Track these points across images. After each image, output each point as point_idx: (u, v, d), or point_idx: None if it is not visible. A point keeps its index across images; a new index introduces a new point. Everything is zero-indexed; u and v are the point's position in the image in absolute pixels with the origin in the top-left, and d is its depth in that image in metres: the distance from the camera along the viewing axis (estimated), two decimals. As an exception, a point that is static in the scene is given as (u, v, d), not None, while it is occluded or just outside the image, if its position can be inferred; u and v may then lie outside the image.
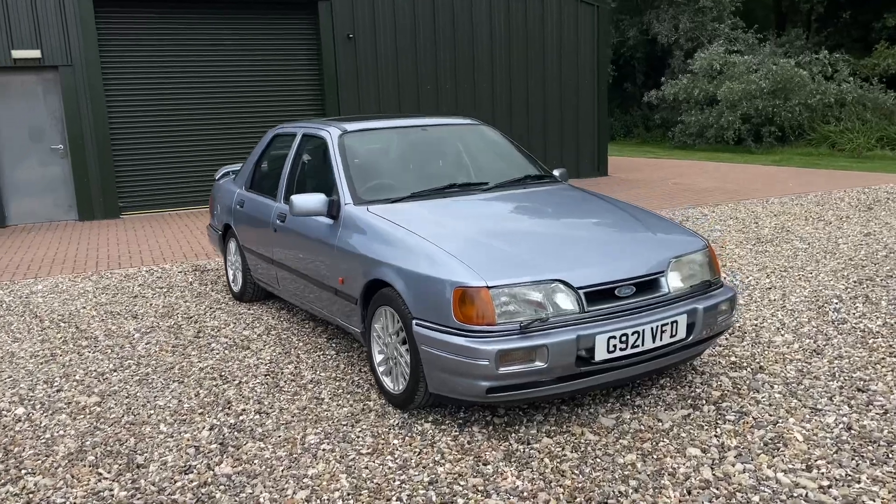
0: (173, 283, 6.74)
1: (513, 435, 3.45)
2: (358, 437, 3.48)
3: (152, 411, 3.87)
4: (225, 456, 3.34)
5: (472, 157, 4.96)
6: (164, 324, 5.46)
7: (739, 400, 3.74)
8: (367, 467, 3.19)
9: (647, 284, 3.58)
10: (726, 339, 4.63)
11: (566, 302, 3.38)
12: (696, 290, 3.73)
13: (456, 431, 3.50)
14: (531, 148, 13.31)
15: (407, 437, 3.45)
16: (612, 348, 3.37)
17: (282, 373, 4.34)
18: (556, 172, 5.08)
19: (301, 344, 4.86)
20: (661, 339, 3.50)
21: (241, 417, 3.75)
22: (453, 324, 3.32)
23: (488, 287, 3.28)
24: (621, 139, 25.47)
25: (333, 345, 4.82)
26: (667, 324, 3.50)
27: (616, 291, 3.49)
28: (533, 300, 3.33)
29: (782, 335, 4.66)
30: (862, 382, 3.87)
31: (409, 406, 3.68)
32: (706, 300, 3.70)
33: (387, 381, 3.86)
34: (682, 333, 3.57)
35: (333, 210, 4.30)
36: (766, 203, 10.08)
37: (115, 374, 4.45)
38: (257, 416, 3.75)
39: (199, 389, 4.14)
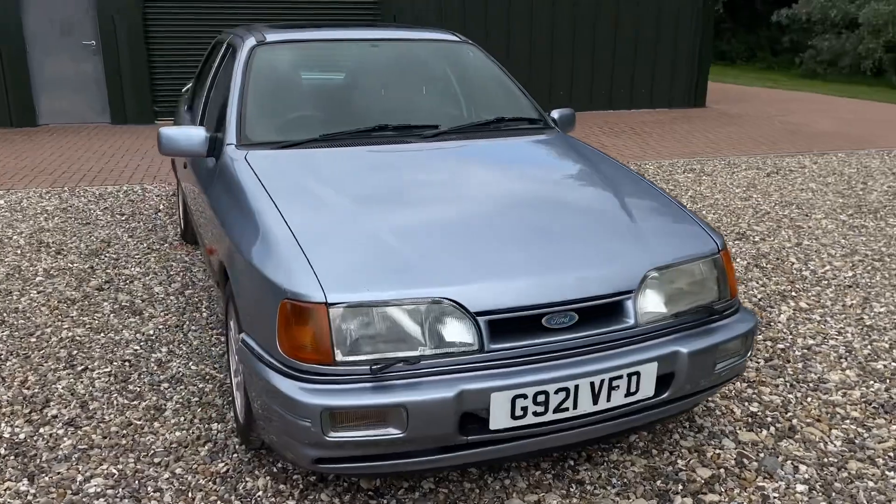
0: (139, 210, 5.85)
1: (369, 516, 2.33)
2: (158, 489, 2.44)
3: (-50, 404, 2.98)
4: (-42, 502, 2.39)
5: (435, 88, 3.67)
6: (82, 265, 4.57)
7: (737, 493, 2.45)
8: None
9: (601, 311, 2.30)
10: (756, 363, 3.28)
11: (459, 333, 2.16)
12: (686, 320, 2.42)
13: (294, 500, 2.40)
14: (616, 71, 11.58)
15: (218, 502, 2.39)
16: (519, 412, 2.15)
17: (148, 360, 3.35)
18: (555, 114, 3.72)
19: (206, 314, 3.85)
20: (608, 401, 2.25)
21: (41, 430, 2.79)
22: (277, 354, 2.18)
23: (327, 304, 2.10)
24: (742, 63, 22.79)
25: (242, 319, 3.78)
26: (620, 377, 2.24)
27: (544, 321, 2.23)
28: (402, 329, 2.14)
29: (842, 371, 3.26)
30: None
31: (251, 443, 2.61)
32: (700, 338, 2.39)
33: (237, 400, 2.79)
34: (647, 390, 2.30)
35: (216, 150, 3.17)
36: (888, 156, 8.19)
37: (-36, 335, 3.59)
38: (62, 431, 2.77)
39: (31, 374, 3.21)
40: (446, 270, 2.22)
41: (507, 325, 2.20)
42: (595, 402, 2.23)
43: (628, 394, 2.27)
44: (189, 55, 10.15)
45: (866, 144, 8.87)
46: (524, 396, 2.14)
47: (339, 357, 2.10)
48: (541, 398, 2.16)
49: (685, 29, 11.75)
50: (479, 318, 2.16)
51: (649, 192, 2.85)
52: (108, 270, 4.49)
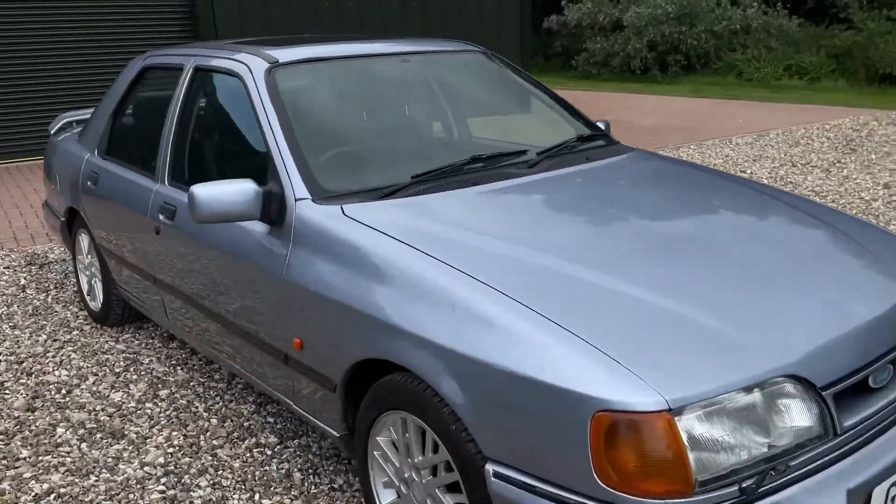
0: (-4, 291, 4.54)
1: None
2: None
3: None
4: None
5: (488, 107, 3.09)
6: (-24, 379, 3.36)
7: None
8: None
9: (901, 355, 1.93)
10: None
11: (801, 416, 1.67)
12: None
13: None
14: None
15: None
16: (889, 501, 1.71)
17: (191, 502, 2.43)
18: (600, 125, 3.30)
19: (214, 420, 2.94)
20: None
21: None
22: (594, 488, 1.54)
23: (671, 410, 1.51)
24: (518, 68, 23.79)
25: (271, 421, 2.93)
26: (945, 429, 1.88)
27: (870, 380, 1.81)
28: (753, 425, 1.60)
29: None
30: None
31: None
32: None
33: (408, 546, 2.06)
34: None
35: (273, 210, 2.36)
36: (732, 144, 8.73)
37: None
38: None
39: (33, 563, 2.19)
40: (766, 337, 1.71)
41: (844, 396, 1.75)
42: (931, 464, 1.85)
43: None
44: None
45: (700, 135, 9.41)
46: None
47: (699, 478, 1.52)
48: (904, 478, 1.73)
49: (508, 32, 11.82)
50: (824, 393, 1.69)
51: (830, 211, 2.51)
52: (24, 381, 3.33)
